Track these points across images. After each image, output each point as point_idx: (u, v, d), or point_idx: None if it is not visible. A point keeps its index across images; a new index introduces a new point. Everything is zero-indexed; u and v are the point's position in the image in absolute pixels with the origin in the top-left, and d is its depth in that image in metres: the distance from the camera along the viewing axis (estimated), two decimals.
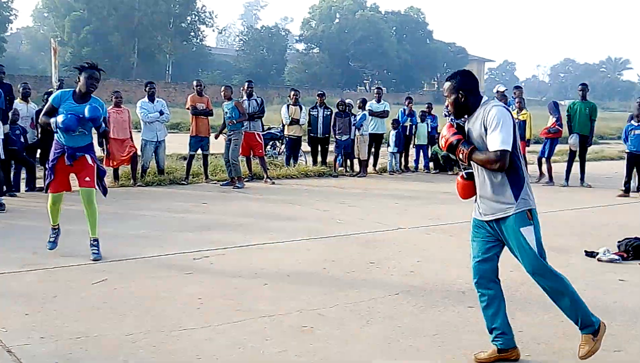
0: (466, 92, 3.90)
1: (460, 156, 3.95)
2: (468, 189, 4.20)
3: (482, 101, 3.92)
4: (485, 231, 4.09)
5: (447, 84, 4.00)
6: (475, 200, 4.15)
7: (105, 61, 52.37)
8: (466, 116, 3.98)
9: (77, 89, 5.97)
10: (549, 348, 4.19)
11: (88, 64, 6.02)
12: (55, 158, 6.00)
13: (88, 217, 6.07)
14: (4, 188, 9.14)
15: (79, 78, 5.95)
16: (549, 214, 9.32)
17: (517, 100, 12.94)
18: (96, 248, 6.05)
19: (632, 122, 11.26)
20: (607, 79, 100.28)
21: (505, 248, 4.03)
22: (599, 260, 6.53)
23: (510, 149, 3.70)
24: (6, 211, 8.26)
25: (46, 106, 6.10)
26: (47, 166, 6.21)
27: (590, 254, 6.67)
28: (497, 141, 3.70)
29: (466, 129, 3.96)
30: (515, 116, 12.65)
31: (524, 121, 12.63)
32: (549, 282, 3.96)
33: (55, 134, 6.04)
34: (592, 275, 6.01)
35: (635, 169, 11.28)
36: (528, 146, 12.97)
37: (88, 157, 6.06)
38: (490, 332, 3.96)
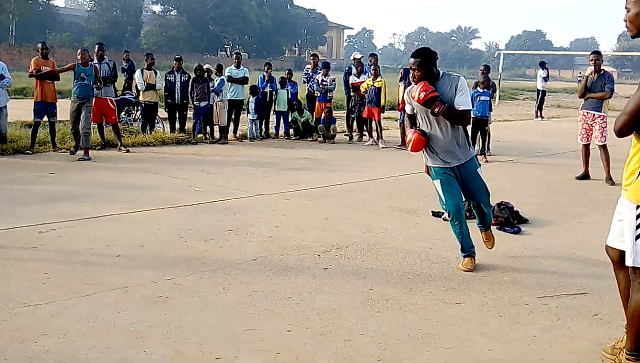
0: (434, 65, 4.94)
1: (437, 109, 4.83)
2: (422, 145, 5.09)
3: (441, 72, 4.99)
4: (452, 176, 5.10)
5: (418, 60, 4.90)
6: (431, 153, 5.12)
7: None
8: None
9: None
10: (396, 303, 4.40)
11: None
12: None
13: None
14: None
15: None
16: (401, 177, 9.78)
17: (372, 67, 13.30)
18: None
19: (478, 88, 11.99)
20: (458, 47, 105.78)
21: None
22: (444, 219, 6.93)
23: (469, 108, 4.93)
24: None
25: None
26: None
27: (437, 214, 7.07)
28: (467, 102, 4.88)
29: None
30: (370, 83, 13.07)
31: (379, 88, 13.04)
32: (488, 209, 5.36)
33: None
34: (438, 233, 6.37)
35: (479, 134, 12.05)
36: (383, 112, 13.43)
37: None
38: (468, 249, 5.24)
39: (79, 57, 10.51)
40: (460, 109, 4.86)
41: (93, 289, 4.45)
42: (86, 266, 4.96)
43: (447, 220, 6.86)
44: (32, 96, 11.88)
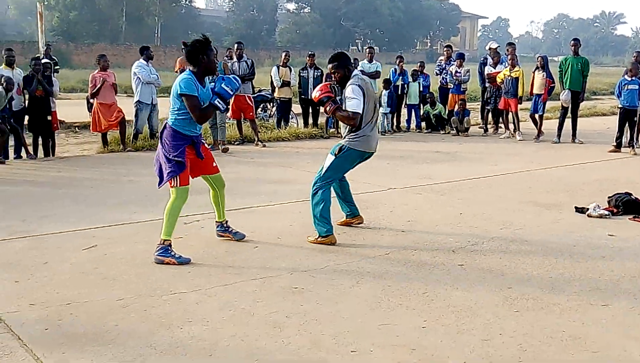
0: (349, 69, 5.66)
1: (326, 109, 5.62)
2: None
3: (353, 74, 5.66)
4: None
5: (334, 64, 5.67)
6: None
7: (93, 25, 51.85)
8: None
9: (198, 69, 5.08)
10: (537, 303, 4.21)
11: (204, 40, 5.12)
12: (182, 153, 5.06)
13: (220, 201, 5.55)
14: None
15: (202, 59, 5.02)
16: (540, 171, 9.35)
17: (509, 57, 12.83)
18: (233, 228, 5.59)
19: (626, 77, 11.21)
20: (601, 34, 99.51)
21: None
22: (588, 215, 6.55)
23: (360, 112, 5.49)
24: None
25: (192, 102, 4.98)
26: (171, 160, 5.03)
27: (581, 210, 6.69)
28: (350, 105, 5.50)
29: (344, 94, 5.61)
30: (507, 73, 12.59)
31: (517, 78, 12.55)
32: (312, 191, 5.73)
33: (176, 125, 5.06)
34: (581, 230, 6.03)
35: (627, 125, 11.26)
36: (520, 103, 12.92)
37: (204, 143, 5.56)
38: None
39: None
40: (347, 110, 5.53)
41: (234, 278, 4.63)
42: (227, 256, 5.17)
43: (592, 216, 6.50)
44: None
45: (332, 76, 5.81)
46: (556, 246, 5.52)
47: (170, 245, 5.02)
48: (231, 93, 5.11)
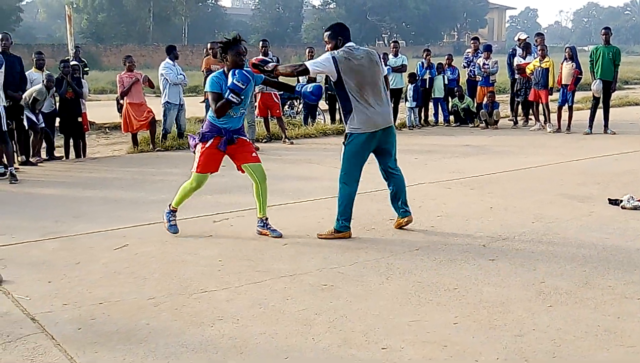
0: (341, 40, 5.38)
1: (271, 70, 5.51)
2: None
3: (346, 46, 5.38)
4: None
5: (327, 33, 5.46)
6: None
7: (121, 26, 52.50)
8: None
9: (225, 69, 5.43)
10: (571, 297, 4.14)
11: (229, 39, 5.39)
12: (207, 140, 5.51)
13: (261, 195, 5.66)
14: (18, 158, 9.33)
15: (225, 57, 5.38)
16: (572, 162, 9.20)
17: (539, 47, 12.64)
18: (271, 226, 5.69)
19: None
20: (632, 22, 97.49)
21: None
22: (622, 207, 6.43)
23: (309, 68, 5.23)
24: (20, 181, 8.26)
25: (213, 97, 5.39)
26: (198, 136, 5.58)
27: (614, 202, 6.56)
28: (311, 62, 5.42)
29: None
30: (537, 63, 12.40)
31: (547, 69, 12.35)
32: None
33: (210, 116, 5.53)
34: (615, 222, 5.92)
35: None
36: (551, 94, 12.71)
37: (243, 138, 5.70)
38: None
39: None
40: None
41: (263, 276, 4.64)
42: (256, 254, 5.18)
43: (626, 208, 6.37)
44: (204, 93, 12.65)
45: (325, 45, 5.51)
46: (589, 239, 5.42)
47: (173, 211, 5.81)
48: (242, 87, 5.24)
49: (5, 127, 8.30)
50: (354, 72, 5.24)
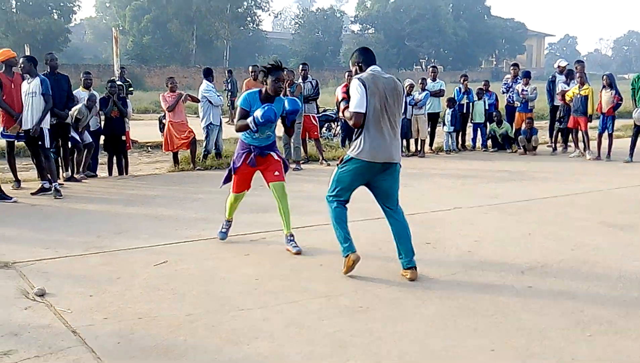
0: (360, 66, 5.13)
1: (340, 111, 5.26)
2: None
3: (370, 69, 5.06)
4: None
5: (351, 59, 5.29)
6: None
7: (165, 49, 53.59)
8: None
9: (263, 90, 5.75)
10: (611, 327, 4.07)
11: (272, 65, 5.70)
12: (239, 159, 5.93)
13: (283, 212, 5.88)
14: (63, 174, 9.60)
15: (265, 81, 5.72)
16: (612, 190, 9.05)
17: (578, 75, 12.53)
18: (294, 242, 5.88)
19: None
20: None
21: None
22: None
23: (362, 111, 4.88)
24: (64, 196, 8.46)
25: (240, 112, 5.82)
26: (231, 165, 6.10)
27: None
28: (352, 104, 4.94)
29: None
30: (576, 91, 12.29)
31: (586, 97, 12.22)
32: None
33: (242, 135, 5.90)
34: None
35: None
36: (590, 121, 12.56)
37: (274, 154, 6.01)
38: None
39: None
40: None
41: (299, 296, 4.67)
42: (292, 274, 5.22)
43: None
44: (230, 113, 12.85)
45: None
46: (630, 268, 5.32)
47: (228, 221, 6.30)
48: (262, 120, 5.54)
49: (48, 144, 8.56)
50: (377, 95, 4.91)
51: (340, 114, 5.33)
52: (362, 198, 8.34)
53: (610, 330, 4.04)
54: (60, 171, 9.79)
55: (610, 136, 12.26)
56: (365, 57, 5.16)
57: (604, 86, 12.27)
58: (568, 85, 13.07)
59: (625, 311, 4.35)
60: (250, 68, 12.22)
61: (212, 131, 11.31)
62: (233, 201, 6.21)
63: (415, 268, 5.04)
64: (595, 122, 12.65)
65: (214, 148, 11.57)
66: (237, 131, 5.85)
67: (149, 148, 15.22)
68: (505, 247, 6.02)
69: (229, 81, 21.56)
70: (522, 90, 13.42)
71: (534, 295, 4.70)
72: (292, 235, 5.92)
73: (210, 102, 11.21)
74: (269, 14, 70.13)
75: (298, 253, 5.79)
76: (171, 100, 10.83)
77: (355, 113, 4.89)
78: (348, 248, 5.12)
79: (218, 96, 11.43)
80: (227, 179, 6.21)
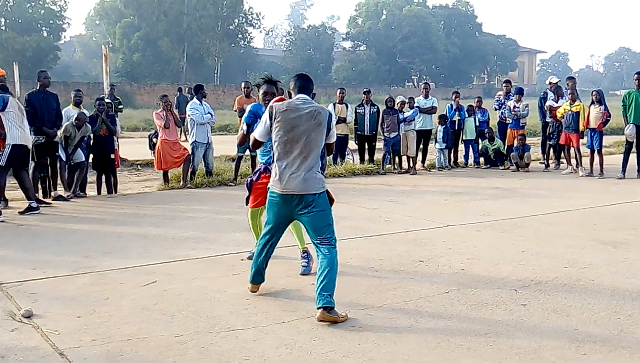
0: (293, 91, 4.98)
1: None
2: None
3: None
4: None
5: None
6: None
7: (156, 66, 53.59)
8: None
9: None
10: (605, 346, 4.03)
11: (264, 78, 5.82)
12: (255, 174, 5.85)
13: (293, 229, 5.71)
14: (52, 193, 9.52)
15: (258, 93, 5.90)
16: (605, 207, 9.04)
17: (569, 91, 12.59)
18: (304, 261, 5.81)
19: None
20: None
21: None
22: None
23: (261, 140, 4.90)
24: (52, 215, 8.39)
25: (243, 128, 5.74)
26: (246, 182, 5.97)
27: None
28: (256, 131, 4.96)
29: None
30: (568, 107, 12.34)
31: (578, 113, 12.27)
32: None
33: (259, 151, 5.75)
34: None
35: None
36: (582, 138, 12.60)
37: None
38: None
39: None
40: None
41: (290, 316, 4.61)
42: (284, 293, 5.16)
43: None
44: (236, 132, 12.83)
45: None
46: (624, 286, 5.29)
47: (302, 251, 5.86)
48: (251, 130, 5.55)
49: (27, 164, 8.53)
50: (286, 126, 4.65)
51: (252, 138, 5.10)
52: (353, 216, 8.33)
53: (604, 348, 3.99)
54: (49, 190, 9.72)
55: (599, 152, 12.28)
56: (297, 84, 4.94)
57: (592, 102, 12.33)
58: (557, 101, 13.13)
59: (619, 330, 4.30)
60: (243, 84, 12.21)
61: (197, 149, 11.31)
62: (251, 219, 5.97)
63: (329, 309, 4.44)
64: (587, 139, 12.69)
65: (204, 165, 11.52)
66: (240, 143, 6.20)
67: (138, 166, 15.14)
68: (499, 265, 5.98)
69: (178, 98, 21.34)
70: (514, 107, 13.46)
71: (528, 313, 4.65)
72: (303, 251, 5.84)
73: (194, 121, 11.23)
74: (260, 31, 70.52)
75: (305, 273, 5.68)
76: (164, 117, 10.79)
77: (254, 140, 4.95)
78: (252, 278, 5.15)
79: (207, 113, 11.36)
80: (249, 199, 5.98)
